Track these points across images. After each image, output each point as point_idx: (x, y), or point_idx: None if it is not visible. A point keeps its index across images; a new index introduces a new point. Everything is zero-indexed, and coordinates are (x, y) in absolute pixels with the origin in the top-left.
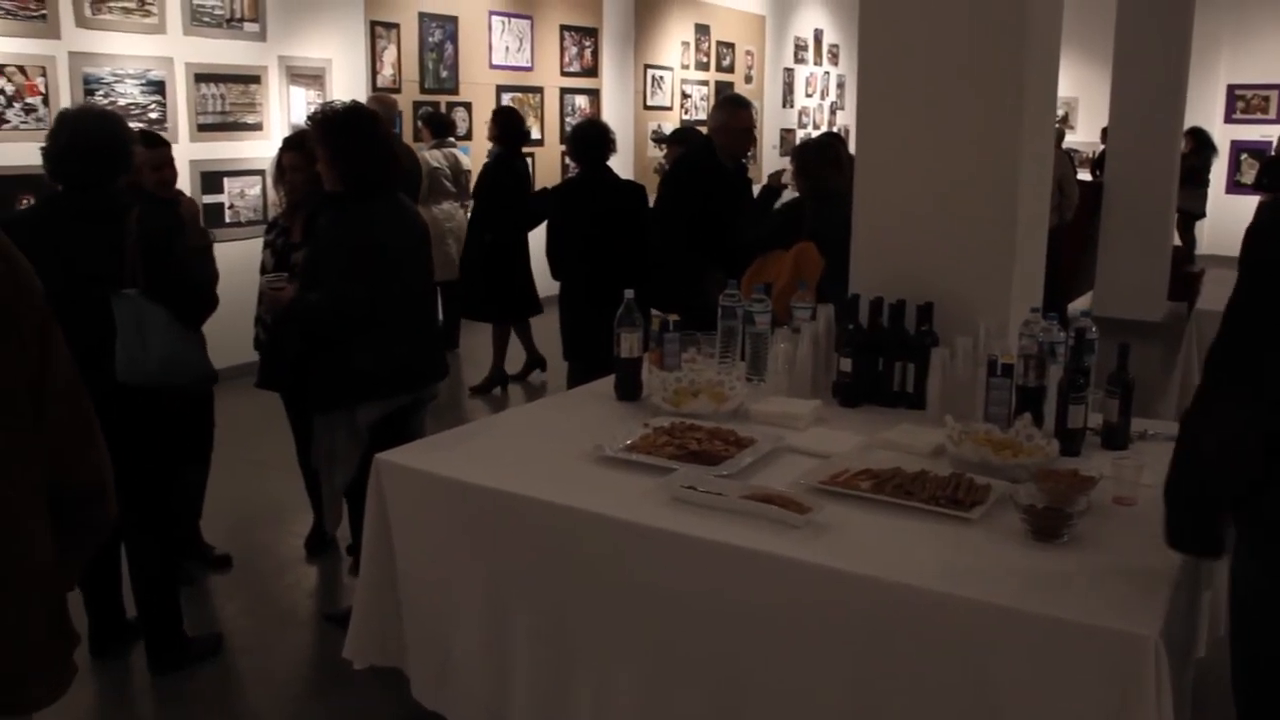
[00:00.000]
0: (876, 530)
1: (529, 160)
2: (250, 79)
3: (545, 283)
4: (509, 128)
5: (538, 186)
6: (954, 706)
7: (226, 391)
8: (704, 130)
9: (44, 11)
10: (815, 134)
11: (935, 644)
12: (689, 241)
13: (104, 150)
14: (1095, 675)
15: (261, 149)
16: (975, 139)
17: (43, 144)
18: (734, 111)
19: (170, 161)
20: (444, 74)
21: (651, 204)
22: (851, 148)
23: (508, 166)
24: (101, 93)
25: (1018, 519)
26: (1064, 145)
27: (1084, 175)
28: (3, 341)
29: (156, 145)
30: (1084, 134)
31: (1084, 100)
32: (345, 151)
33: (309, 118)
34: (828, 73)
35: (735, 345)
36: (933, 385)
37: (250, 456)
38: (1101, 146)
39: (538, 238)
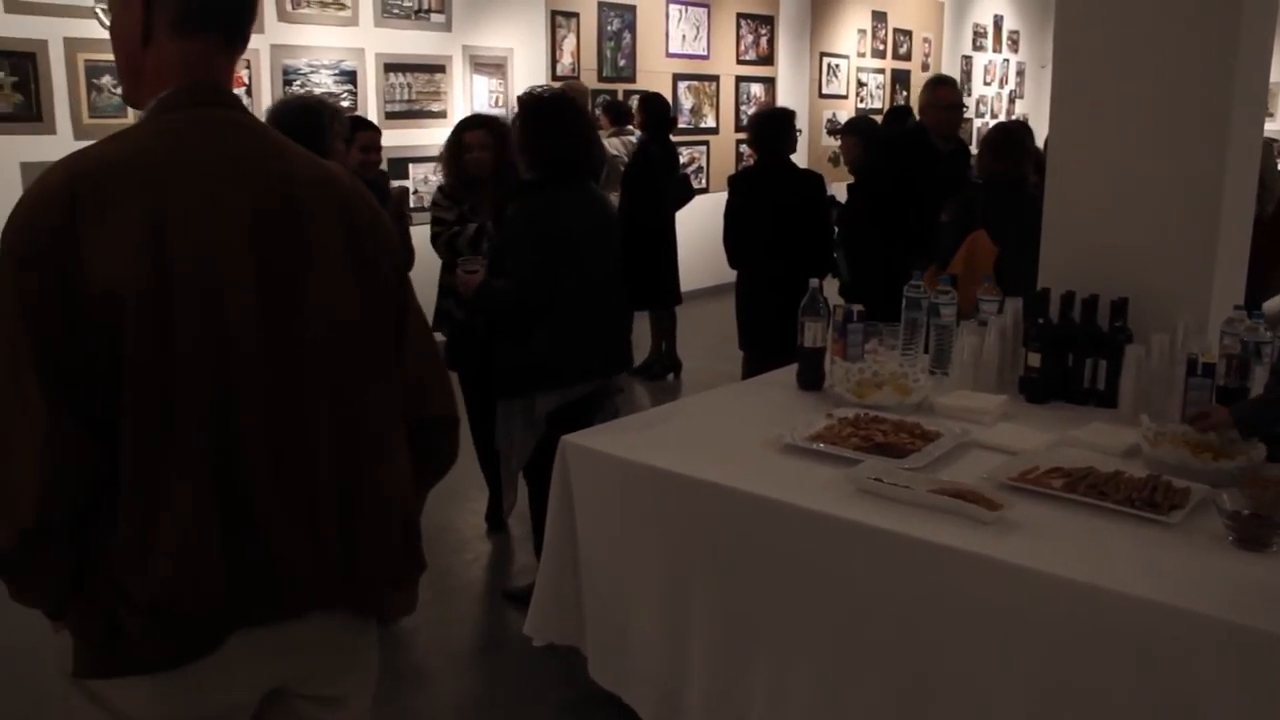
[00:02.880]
0: (1069, 530)
1: (674, 147)
2: (436, 68)
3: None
4: (652, 114)
5: (711, 174)
6: (1150, 716)
7: None
8: (878, 120)
9: None
10: (993, 123)
11: (1131, 651)
12: (897, 227)
13: (300, 138)
14: None
15: (444, 136)
16: (1178, 127)
17: None
18: (934, 89)
19: (378, 146)
20: (622, 62)
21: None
22: (1038, 137)
23: (644, 153)
24: (298, 83)
25: (1221, 525)
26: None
27: None
28: (369, 277)
29: (369, 129)
30: None
31: None
32: (545, 138)
33: (519, 99)
34: (1007, 60)
35: (919, 337)
36: (1126, 383)
37: None
38: None
39: (688, 228)
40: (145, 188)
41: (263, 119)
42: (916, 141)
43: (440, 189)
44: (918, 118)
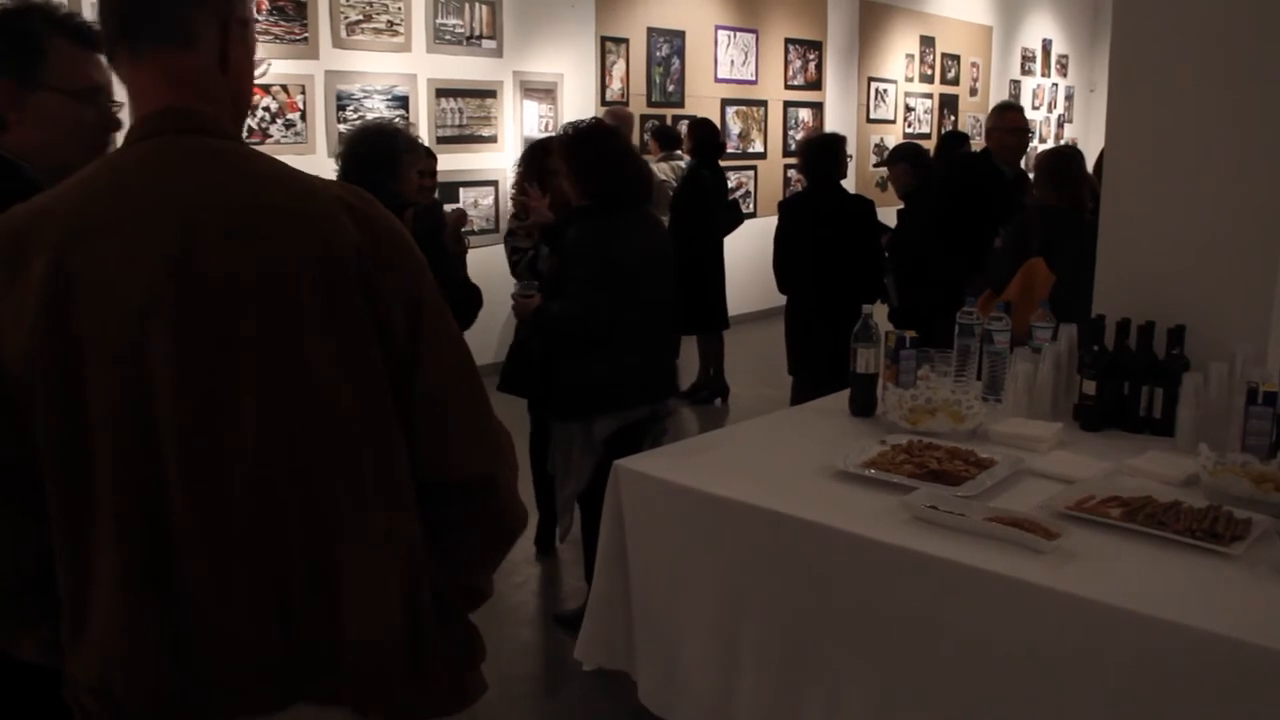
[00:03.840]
0: (1128, 560)
1: (723, 172)
2: (487, 93)
3: (737, 300)
4: (701, 139)
5: (758, 199)
6: None
7: None
8: (927, 145)
9: (306, 35)
10: (1042, 148)
11: (1195, 686)
12: (963, 253)
13: (371, 162)
14: None
15: (495, 160)
16: (1236, 149)
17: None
18: (1002, 114)
19: (433, 171)
20: (670, 88)
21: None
22: (1088, 161)
23: (695, 178)
24: (351, 108)
25: None
26: None
27: None
28: (351, 321)
29: (427, 156)
30: None
31: None
32: (587, 168)
33: (555, 139)
34: (1055, 84)
35: (971, 364)
36: (1184, 412)
37: None
38: None
39: (735, 252)
40: (59, 239)
41: (325, 143)
42: (983, 163)
43: (515, 216)
44: (983, 142)
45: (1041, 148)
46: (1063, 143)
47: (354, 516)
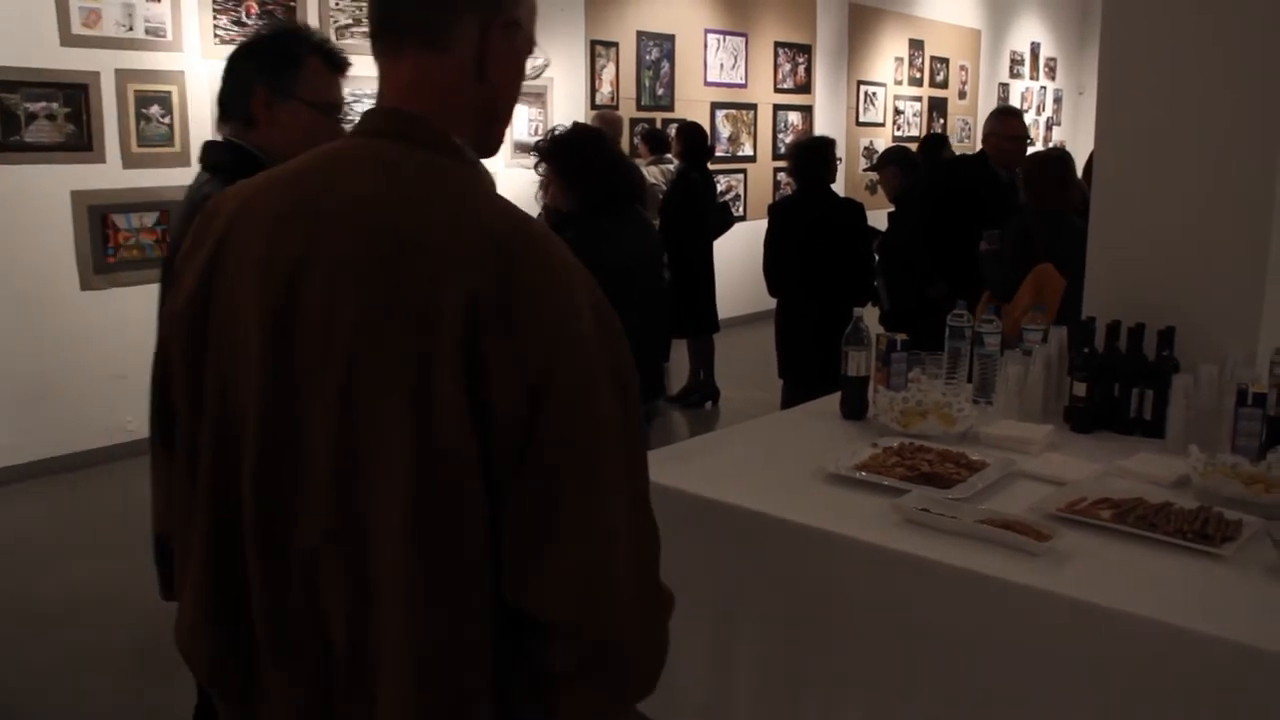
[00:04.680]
0: (1120, 562)
1: (712, 175)
2: None
3: (727, 303)
4: (690, 143)
5: (748, 203)
6: None
7: None
8: (913, 147)
9: None
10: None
11: (1186, 686)
12: (949, 255)
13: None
14: None
15: (486, 165)
16: (1225, 151)
17: None
18: (1002, 119)
19: None
20: (660, 91)
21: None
22: (1077, 163)
23: (685, 181)
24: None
25: (1276, 557)
26: None
27: None
28: (430, 373)
29: None
30: None
31: None
32: (573, 174)
33: (538, 149)
34: (1044, 87)
35: (962, 366)
36: (1174, 413)
37: None
38: None
39: (724, 255)
40: (227, 221)
41: None
42: (976, 166)
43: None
44: (971, 144)
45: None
46: (1051, 145)
47: (393, 592)
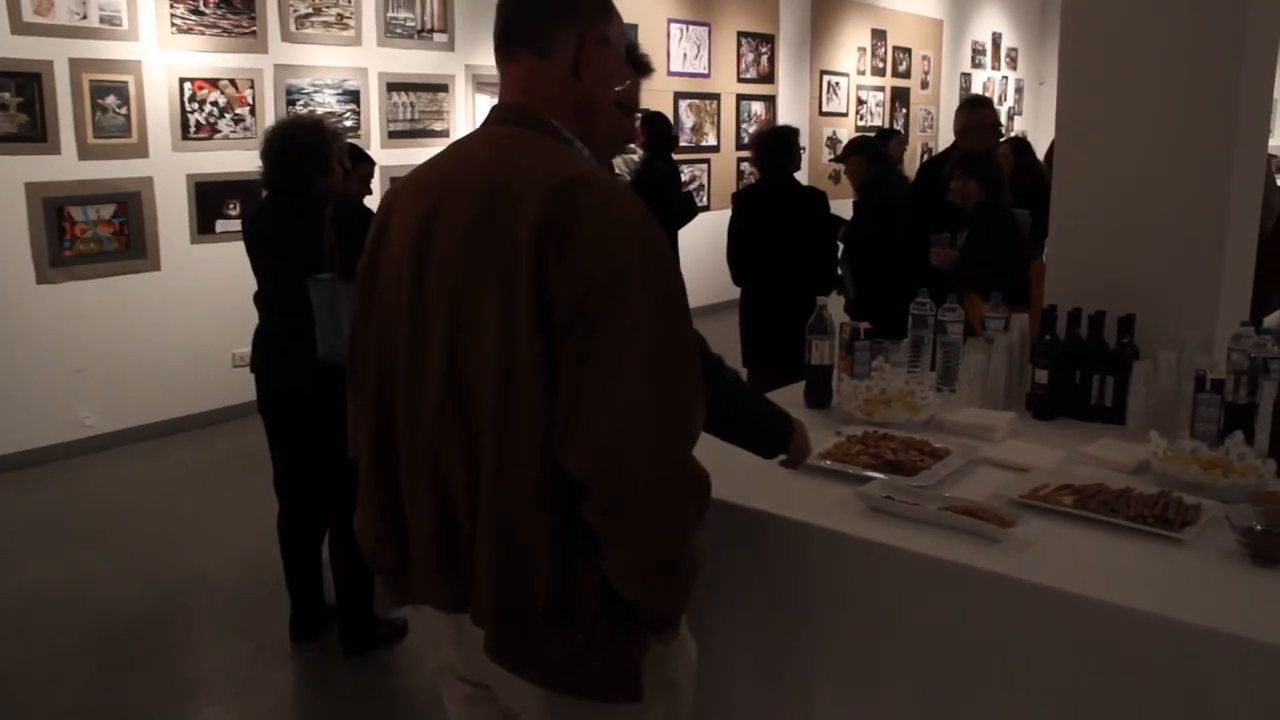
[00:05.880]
0: (1081, 547)
1: (676, 165)
2: (439, 87)
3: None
4: (654, 133)
5: (712, 192)
6: None
7: None
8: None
9: (254, 28)
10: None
11: (1147, 668)
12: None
13: (300, 156)
14: None
15: None
16: (1183, 141)
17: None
18: (973, 110)
19: (369, 176)
20: None
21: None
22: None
23: (649, 171)
24: (301, 102)
25: (1234, 541)
26: None
27: None
28: (518, 297)
29: (363, 161)
30: None
31: None
32: None
33: None
34: (1005, 77)
35: (925, 355)
36: (1134, 400)
37: None
38: None
39: (688, 245)
40: (395, 191)
41: (261, 138)
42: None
43: None
44: (932, 134)
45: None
46: (1013, 135)
47: (495, 460)
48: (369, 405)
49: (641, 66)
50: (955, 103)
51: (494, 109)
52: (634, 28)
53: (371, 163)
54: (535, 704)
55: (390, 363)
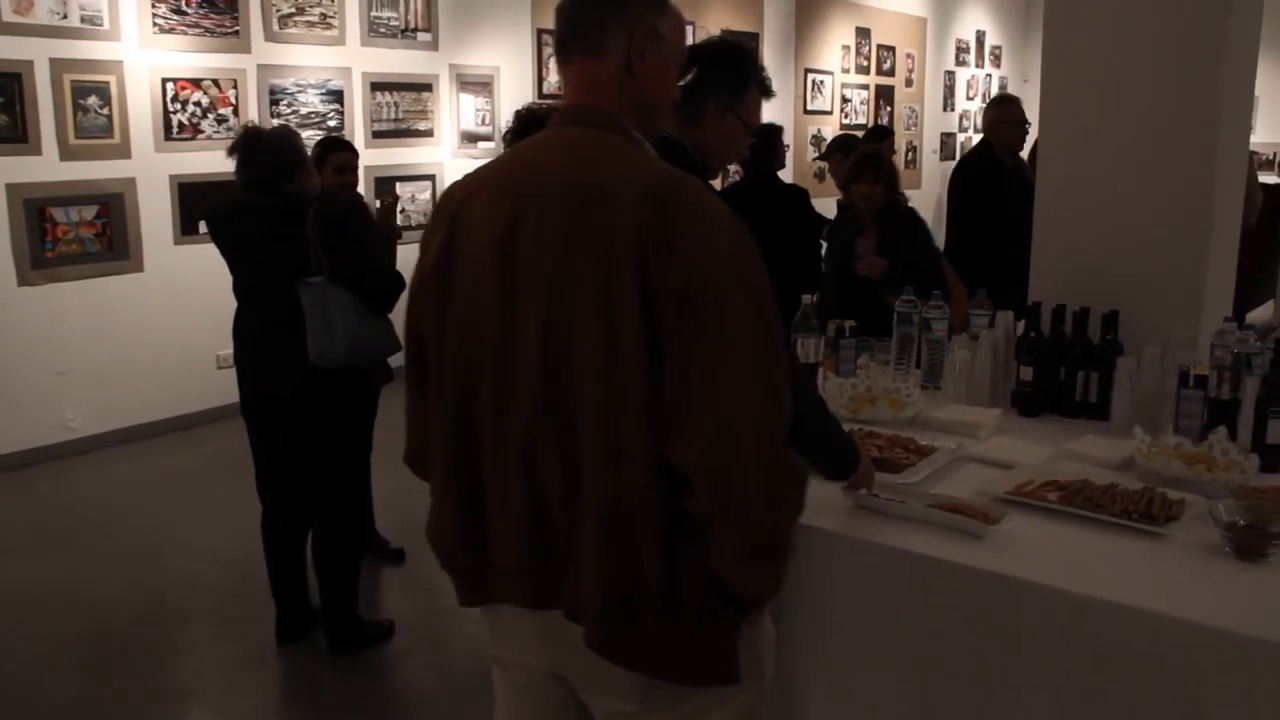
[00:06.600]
0: (1067, 543)
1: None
2: (423, 87)
3: None
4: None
5: None
6: None
7: (396, 390)
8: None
9: (237, 28)
10: (977, 139)
11: (1133, 663)
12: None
13: (278, 154)
14: None
15: (432, 154)
16: (1167, 137)
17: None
18: (1001, 107)
19: (353, 166)
20: None
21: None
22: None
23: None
24: (285, 102)
25: (1217, 536)
26: None
27: (1265, 178)
28: (618, 299)
29: (343, 149)
30: (1264, 134)
31: (1265, 99)
32: None
33: (516, 114)
34: (989, 75)
35: (910, 352)
36: (1119, 396)
37: None
38: None
39: None
40: (463, 194)
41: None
42: (987, 157)
43: None
44: (918, 133)
45: (977, 139)
46: None
47: (601, 459)
48: (447, 408)
49: (765, 89)
50: (939, 101)
51: (557, 112)
52: None
53: (353, 152)
54: (631, 691)
55: (473, 365)
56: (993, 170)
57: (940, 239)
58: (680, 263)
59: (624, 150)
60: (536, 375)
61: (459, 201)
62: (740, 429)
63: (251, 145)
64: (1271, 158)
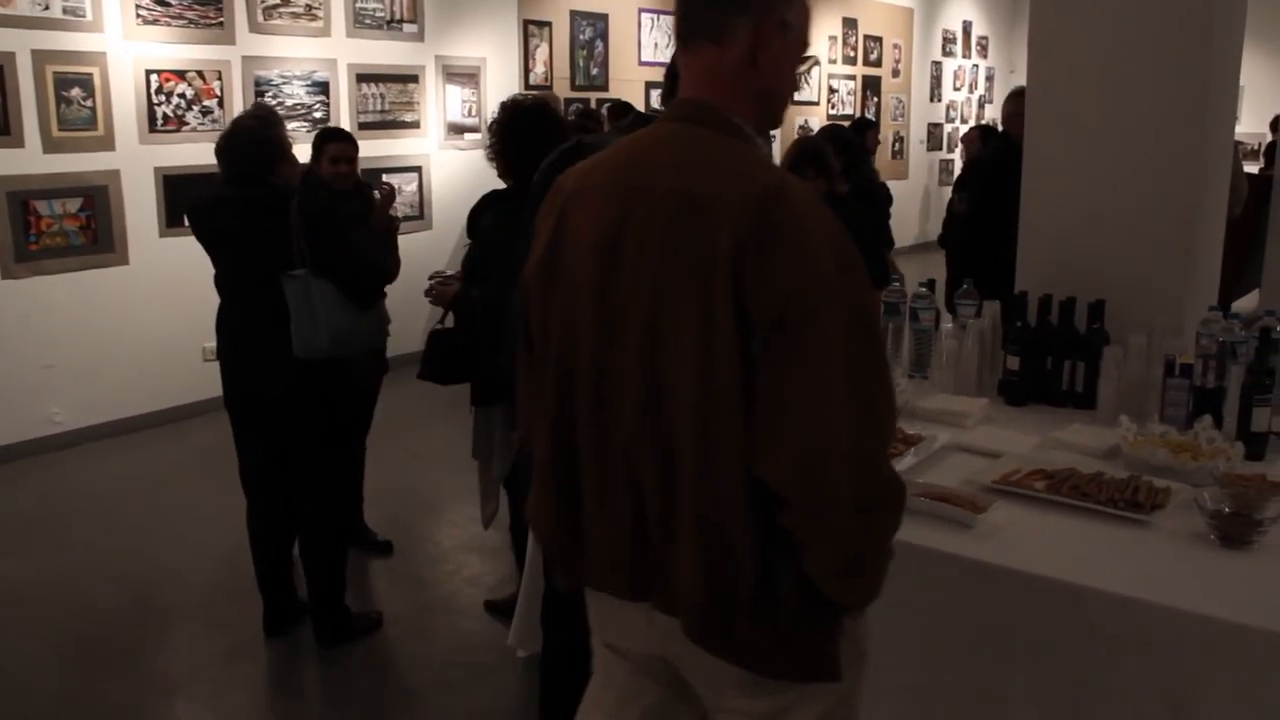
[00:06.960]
0: (1053, 531)
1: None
2: (409, 78)
3: None
4: (617, 120)
5: None
6: (1143, 713)
7: (392, 382)
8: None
9: (222, 19)
10: (964, 129)
11: (1119, 650)
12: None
13: (257, 146)
14: None
15: (418, 146)
16: (1153, 128)
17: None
18: (1018, 99)
19: (350, 156)
20: (594, 71)
21: None
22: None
23: None
24: (270, 94)
25: (1202, 524)
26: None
27: (1250, 168)
28: (714, 306)
29: (339, 139)
30: (1249, 124)
31: (1251, 89)
32: (518, 148)
33: (501, 105)
34: (976, 65)
35: (898, 342)
36: (1105, 385)
37: (407, 447)
38: (1270, 138)
39: None
40: (570, 189)
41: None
42: (1002, 151)
43: None
44: (1000, 127)
45: (964, 129)
46: (983, 123)
47: (696, 465)
48: (549, 398)
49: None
50: (926, 91)
51: (672, 104)
52: (604, 17)
53: (350, 143)
54: (734, 682)
55: (570, 364)
56: (1015, 159)
57: (934, 230)
58: (778, 274)
59: (733, 153)
60: (638, 390)
61: (567, 195)
62: (830, 448)
63: (232, 138)
64: (1256, 148)
